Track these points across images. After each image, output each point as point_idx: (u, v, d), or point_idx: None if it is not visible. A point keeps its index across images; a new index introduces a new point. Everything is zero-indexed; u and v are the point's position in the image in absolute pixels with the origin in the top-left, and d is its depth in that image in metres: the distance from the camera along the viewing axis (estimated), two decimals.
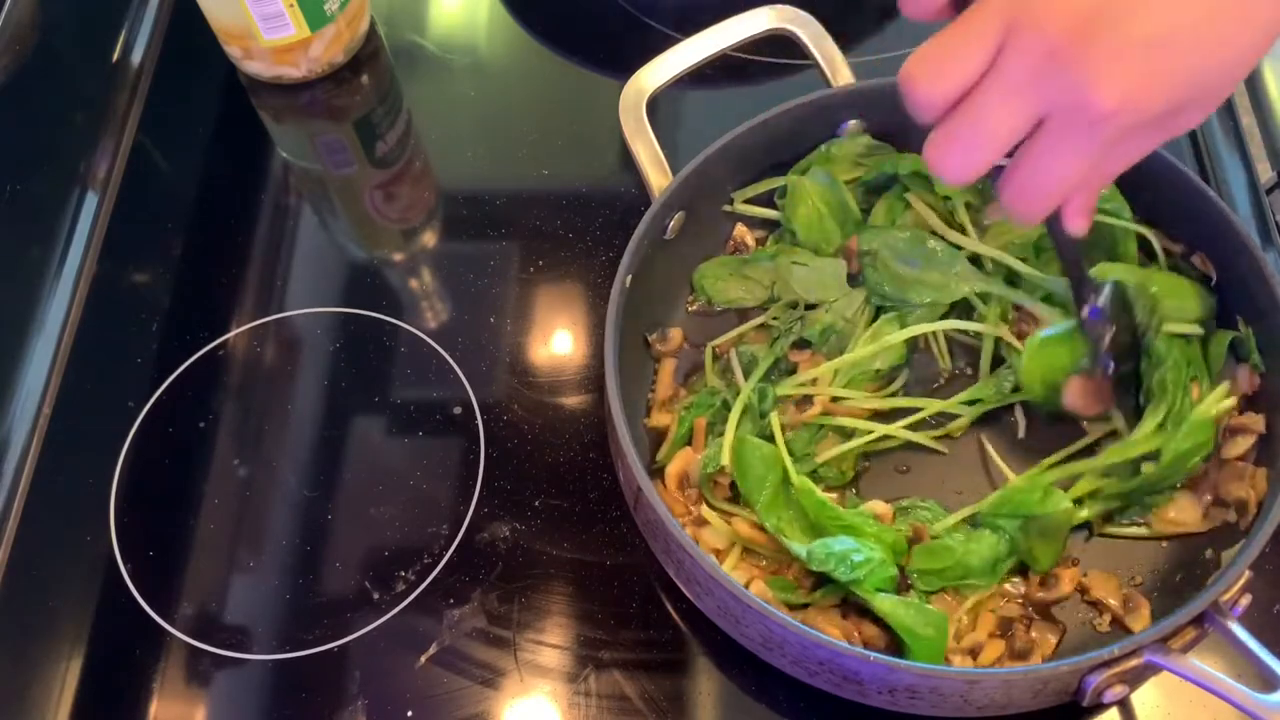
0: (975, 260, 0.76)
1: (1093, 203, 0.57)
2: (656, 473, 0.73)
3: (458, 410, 0.78)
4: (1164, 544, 0.70)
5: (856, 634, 0.65)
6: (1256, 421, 0.70)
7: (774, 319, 0.78)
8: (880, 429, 0.73)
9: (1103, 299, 0.67)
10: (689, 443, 0.72)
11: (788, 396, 0.74)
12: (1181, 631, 0.59)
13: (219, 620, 0.71)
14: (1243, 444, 0.69)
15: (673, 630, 0.70)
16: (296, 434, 0.78)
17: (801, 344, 0.76)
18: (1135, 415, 0.71)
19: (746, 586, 0.64)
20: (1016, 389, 0.73)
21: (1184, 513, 0.69)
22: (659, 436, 0.74)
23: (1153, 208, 0.76)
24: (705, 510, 0.70)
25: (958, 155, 0.51)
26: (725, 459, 0.70)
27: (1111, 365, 0.69)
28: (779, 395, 0.73)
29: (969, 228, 0.77)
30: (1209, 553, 0.68)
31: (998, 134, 0.50)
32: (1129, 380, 0.71)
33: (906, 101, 0.51)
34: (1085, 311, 0.67)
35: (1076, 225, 0.57)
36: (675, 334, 0.78)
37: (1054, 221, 0.59)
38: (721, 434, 0.71)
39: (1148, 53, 0.47)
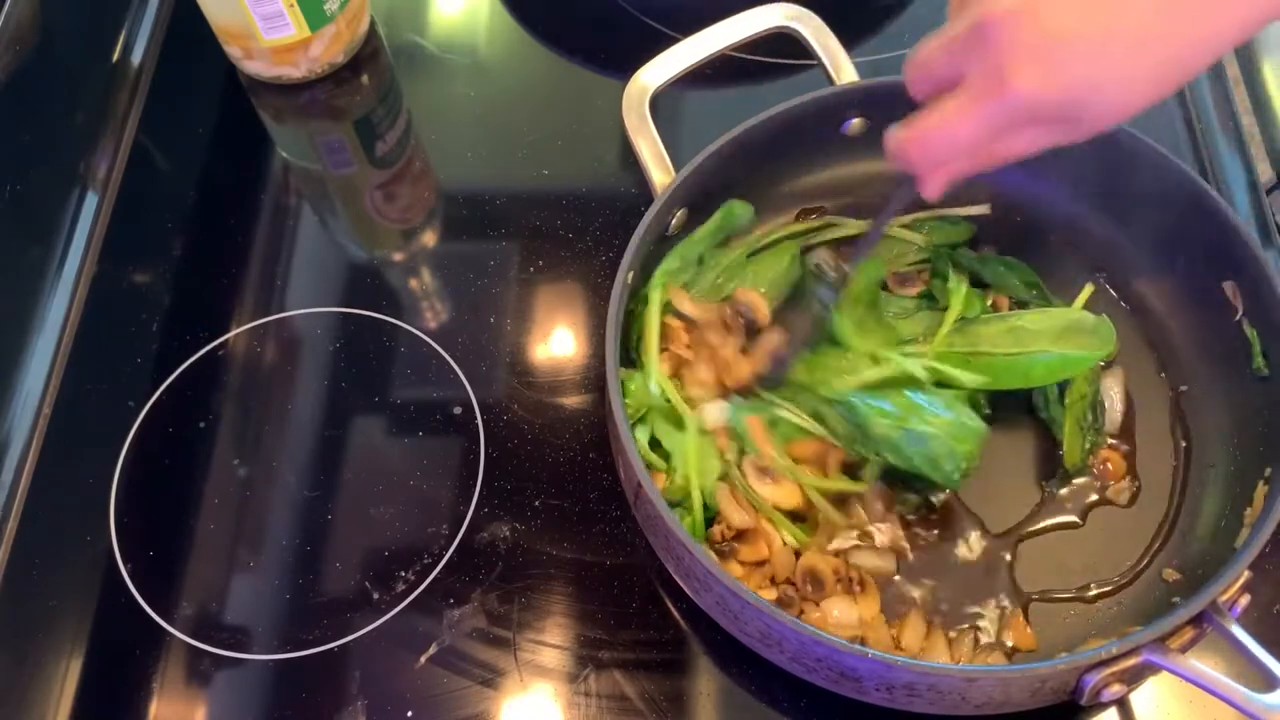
0: None
1: (959, 179, 0.58)
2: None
3: (458, 410, 0.78)
4: None
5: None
6: None
7: None
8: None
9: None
10: None
11: None
12: (1180, 631, 0.59)
13: (219, 620, 0.71)
14: None
15: (673, 630, 0.70)
16: (296, 434, 0.78)
17: None
18: None
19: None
20: None
21: None
22: None
23: (1152, 208, 0.75)
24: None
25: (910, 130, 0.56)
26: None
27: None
28: None
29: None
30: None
31: (928, 64, 0.55)
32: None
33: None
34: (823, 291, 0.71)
35: (932, 191, 0.58)
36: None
37: (908, 180, 0.59)
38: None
39: (1056, 48, 0.49)
